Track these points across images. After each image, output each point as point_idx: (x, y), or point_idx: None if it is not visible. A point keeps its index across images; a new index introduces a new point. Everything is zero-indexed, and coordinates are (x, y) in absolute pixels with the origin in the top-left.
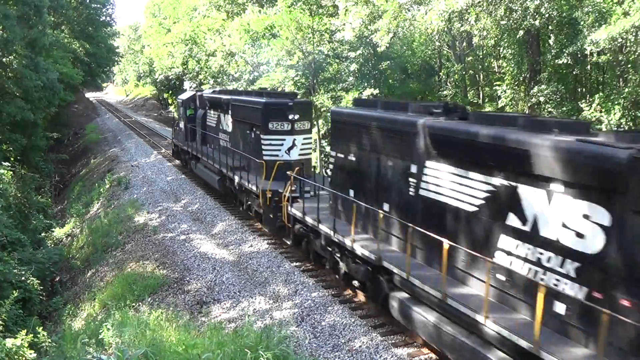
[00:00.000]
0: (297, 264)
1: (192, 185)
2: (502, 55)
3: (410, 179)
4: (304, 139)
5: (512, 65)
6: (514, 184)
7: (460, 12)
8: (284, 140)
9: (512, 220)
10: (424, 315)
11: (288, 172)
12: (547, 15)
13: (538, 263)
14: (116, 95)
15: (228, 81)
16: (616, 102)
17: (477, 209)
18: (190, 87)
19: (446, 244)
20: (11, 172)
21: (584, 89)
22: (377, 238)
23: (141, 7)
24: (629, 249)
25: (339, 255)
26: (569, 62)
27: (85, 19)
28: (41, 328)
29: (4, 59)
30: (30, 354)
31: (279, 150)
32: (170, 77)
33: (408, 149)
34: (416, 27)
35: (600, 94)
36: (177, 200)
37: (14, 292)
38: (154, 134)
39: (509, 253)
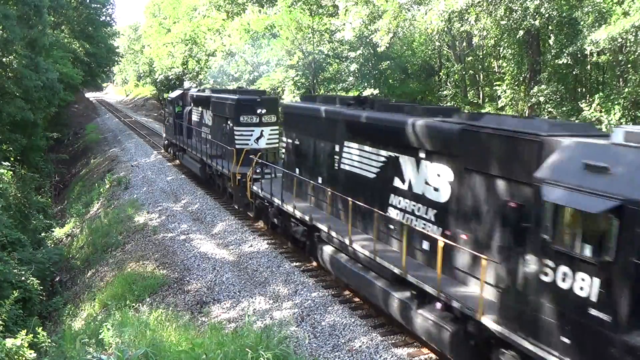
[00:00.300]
0: (297, 264)
1: (192, 185)
2: (502, 55)
3: (335, 157)
4: (271, 130)
5: (512, 65)
6: (396, 154)
7: (460, 12)
8: (253, 131)
9: (396, 182)
10: (337, 258)
11: (251, 156)
12: (547, 15)
13: (413, 213)
14: (116, 95)
15: (228, 81)
16: (616, 102)
17: (375, 175)
18: (191, 87)
19: (350, 202)
20: (11, 172)
21: (584, 89)
22: (311, 204)
23: (141, 7)
24: (464, 196)
25: (292, 221)
26: (569, 62)
27: (85, 19)
28: (41, 328)
29: (4, 59)
30: (30, 354)
31: (249, 139)
32: (170, 77)
33: (333, 133)
34: (416, 27)
35: (600, 94)
36: (177, 200)
37: (14, 292)
38: (153, 133)
39: (395, 207)
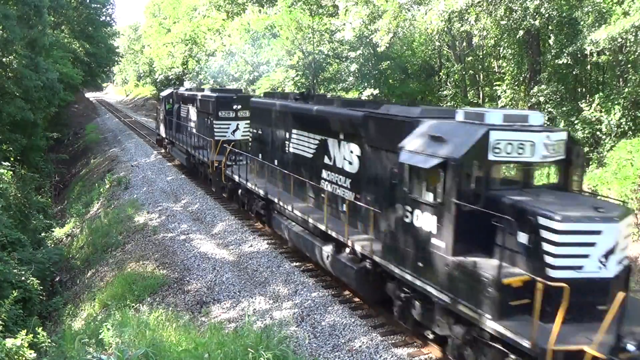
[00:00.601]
0: (297, 264)
1: (192, 185)
2: (502, 55)
3: (285, 142)
4: (245, 123)
5: (512, 65)
6: (325, 138)
7: (460, 12)
8: (230, 124)
9: (326, 159)
10: (286, 224)
11: (225, 145)
12: (547, 15)
13: (336, 183)
14: (116, 95)
15: (228, 81)
16: (616, 102)
17: (312, 155)
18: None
19: (292, 177)
20: (11, 172)
21: (584, 89)
22: (268, 182)
23: (141, 7)
24: (367, 167)
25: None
26: (569, 62)
27: (85, 19)
28: (41, 328)
29: (4, 59)
30: (30, 354)
31: (226, 132)
32: (170, 77)
33: (283, 123)
34: (416, 27)
35: (600, 94)
36: (177, 200)
37: (14, 292)
38: (153, 133)
39: (325, 179)
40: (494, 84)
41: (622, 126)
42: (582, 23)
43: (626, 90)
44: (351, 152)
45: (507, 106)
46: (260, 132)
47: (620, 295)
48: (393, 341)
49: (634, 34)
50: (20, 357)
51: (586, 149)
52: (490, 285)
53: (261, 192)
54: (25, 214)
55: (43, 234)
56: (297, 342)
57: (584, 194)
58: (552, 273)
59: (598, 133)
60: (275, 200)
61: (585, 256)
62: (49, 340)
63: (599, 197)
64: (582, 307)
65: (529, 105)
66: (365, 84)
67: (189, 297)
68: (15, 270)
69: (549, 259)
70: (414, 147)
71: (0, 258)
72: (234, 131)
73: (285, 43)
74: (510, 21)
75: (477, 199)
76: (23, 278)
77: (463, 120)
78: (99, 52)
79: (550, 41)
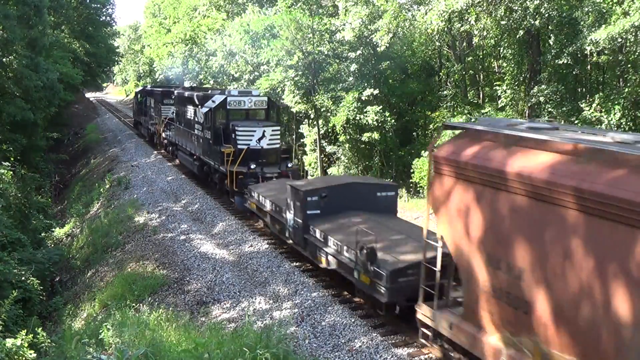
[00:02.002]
0: (297, 264)
1: (192, 185)
2: (502, 55)
3: (183, 112)
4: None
5: (512, 65)
6: (190, 107)
7: (460, 12)
8: (170, 108)
9: (195, 118)
10: (182, 155)
11: (163, 118)
12: (547, 15)
13: (197, 129)
14: (116, 95)
15: (228, 81)
16: (616, 102)
17: (189, 118)
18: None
19: (181, 129)
20: (11, 172)
21: (584, 89)
22: (176, 135)
23: (141, 7)
24: (199, 118)
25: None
26: (569, 62)
27: (85, 19)
28: (41, 328)
29: (4, 59)
30: (30, 354)
31: (167, 112)
32: (170, 77)
33: (181, 102)
34: (416, 27)
35: (600, 94)
36: (177, 200)
37: (14, 292)
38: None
39: (195, 129)
40: (494, 84)
41: (622, 126)
42: (582, 23)
43: (626, 90)
44: (197, 112)
45: (507, 106)
46: (177, 109)
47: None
48: (393, 341)
49: (634, 34)
50: (20, 357)
51: None
52: (220, 152)
53: (173, 140)
54: (25, 214)
55: (43, 234)
56: (297, 342)
57: (268, 123)
58: (239, 146)
59: None
60: (177, 143)
61: (250, 138)
62: (49, 340)
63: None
64: (249, 158)
65: (529, 105)
66: (365, 84)
67: (189, 297)
68: (15, 270)
69: (238, 140)
70: (209, 106)
71: (0, 258)
72: (173, 112)
73: (285, 43)
74: (510, 21)
75: (223, 124)
76: (23, 278)
77: (223, 93)
78: (99, 52)
79: (550, 41)
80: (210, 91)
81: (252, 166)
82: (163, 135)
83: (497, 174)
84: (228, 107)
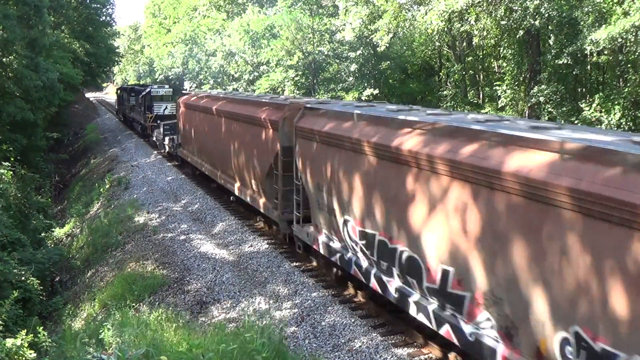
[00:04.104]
0: (297, 264)
1: (192, 185)
2: (502, 55)
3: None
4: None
5: (512, 65)
6: (135, 95)
7: (460, 12)
8: (136, 99)
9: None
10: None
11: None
12: (547, 15)
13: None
14: (116, 95)
15: (228, 81)
16: (616, 102)
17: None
18: (190, 87)
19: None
20: (11, 172)
21: (584, 89)
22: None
23: (141, 7)
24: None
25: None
26: (569, 62)
27: (85, 19)
28: (41, 328)
29: (4, 59)
30: (30, 354)
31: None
32: (170, 77)
33: (136, 97)
34: (416, 27)
35: (600, 94)
36: (177, 200)
37: (14, 292)
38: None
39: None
40: (494, 84)
41: (622, 126)
42: (582, 23)
43: (626, 90)
44: (137, 98)
45: (507, 106)
46: (133, 97)
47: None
48: (393, 341)
49: (634, 34)
50: (20, 357)
51: None
52: (146, 116)
53: (129, 114)
54: (25, 214)
55: (43, 234)
56: (297, 342)
57: (169, 102)
58: (155, 113)
59: None
60: (132, 114)
61: (159, 109)
62: (49, 340)
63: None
64: (158, 118)
65: (529, 105)
66: (365, 84)
67: (189, 297)
68: (15, 270)
69: (154, 110)
70: (142, 93)
71: (0, 258)
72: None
73: (285, 43)
74: (510, 21)
75: (149, 102)
76: (23, 278)
77: (155, 87)
78: (99, 52)
79: (550, 41)
80: (145, 87)
81: (158, 121)
82: (127, 112)
83: (323, 134)
84: (151, 94)
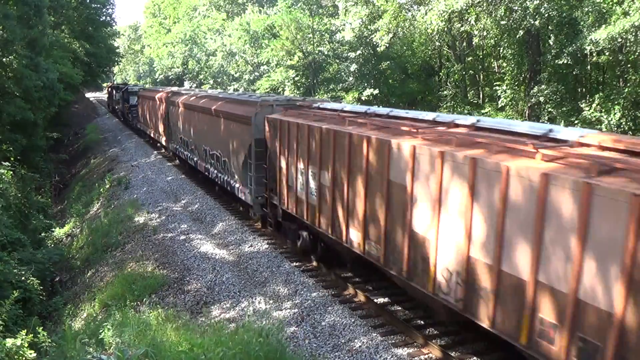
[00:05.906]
0: (297, 264)
1: (192, 185)
2: (502, 55)
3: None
4: (132, 97)
5: (512, 65)
6: (120, 92)
7: (460, 12)
8: (128, 99)
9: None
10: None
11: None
12: (547, 15)
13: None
14: None
15: (228, 81)
16: (616, 102)
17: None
18: (191, 87)
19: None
20: (11, 172)
21: (584, 89)
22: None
23: (141, 7)
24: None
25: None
26: (569, 62)
27: (85, 19)
28: (41, 328)
29: (4, 59)
30: (30, 354)
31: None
32: (170, 77)
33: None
34: (416, 27)
35: (600, 94)
36: (177, 200)
37: (14, 292)
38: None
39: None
40: (494, 84)
41: (622, 126)
42: (582, 23)
43: (626, 90)
44: (121, 93)
45: (507, 106)
46: (118, 92)
47: None
48: (393, 341)
49: (634, 34)
50: (20, 357)
51: None
52: (127, 104)
53: (115, 106)
54: (25, 214)
55: (43, 234)
56: (297, 342)
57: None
58: (130, 103)
59: None
60: (116, 105)
61: (133, 100)
62: (49, 340)
63: None
64: (133, 106)
65: (528, 105)
66: (365, 84)
67: (189, 297)
68: (15, 270)
69: (130, 101)
70: (122, 90)
71: (0, 258)
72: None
73: (285, 43)
74: (510, 21)
75: (126, 96)
76: (23, 278)
77: (131, 85)
78: (99, 52)
79: (550, 41)
80: (125, 85)
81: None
82: (114, 104)
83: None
84: (128, 91)
